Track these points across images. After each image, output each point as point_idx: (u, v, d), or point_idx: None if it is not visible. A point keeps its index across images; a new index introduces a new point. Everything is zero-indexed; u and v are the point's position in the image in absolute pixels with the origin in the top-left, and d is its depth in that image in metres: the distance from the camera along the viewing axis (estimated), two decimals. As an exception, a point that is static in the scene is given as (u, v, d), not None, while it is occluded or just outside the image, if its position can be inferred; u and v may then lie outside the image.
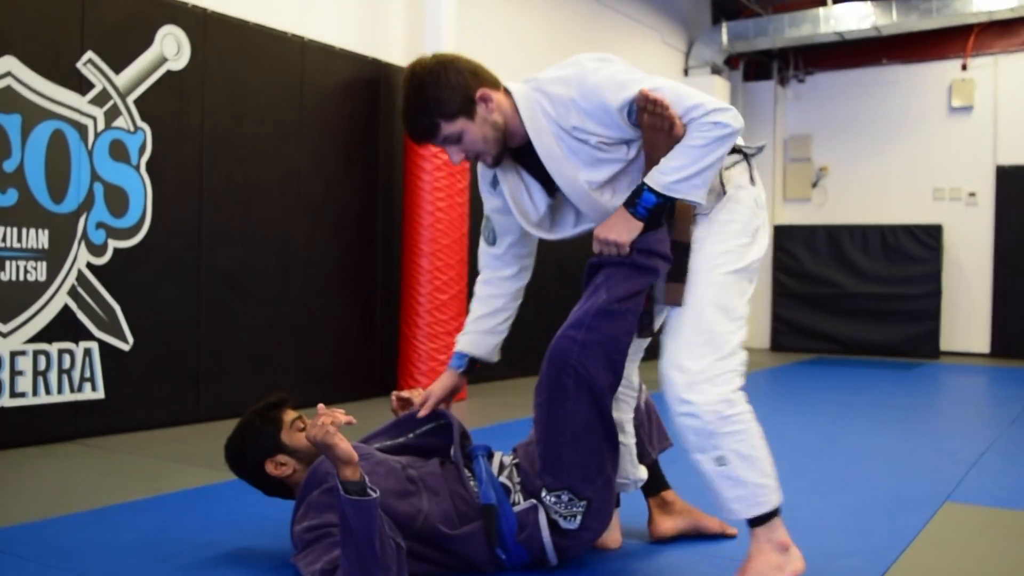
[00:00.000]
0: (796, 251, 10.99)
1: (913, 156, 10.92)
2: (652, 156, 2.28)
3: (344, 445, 2.12)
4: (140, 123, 4.83)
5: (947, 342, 10.53)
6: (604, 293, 2.29)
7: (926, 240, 10.46)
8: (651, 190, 2.23)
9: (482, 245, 2.77)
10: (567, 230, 2.52)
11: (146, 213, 4.86)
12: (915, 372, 8.87)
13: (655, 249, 2.28)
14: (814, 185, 11.52)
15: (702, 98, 2.25)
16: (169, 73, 4.97)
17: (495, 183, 2.57)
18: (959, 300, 10.59)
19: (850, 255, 10.79)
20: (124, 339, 4.75)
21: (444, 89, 2.31)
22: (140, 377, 4.83)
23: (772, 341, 11.24)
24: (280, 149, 5.65)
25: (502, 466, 2.53)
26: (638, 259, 2.28)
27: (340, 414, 2.18)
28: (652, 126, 2.24)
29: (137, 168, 4.83)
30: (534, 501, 2.43)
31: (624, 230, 2.27)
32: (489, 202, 2.66)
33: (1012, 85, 10.42)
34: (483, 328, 2.77)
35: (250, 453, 2.59)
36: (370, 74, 6.31)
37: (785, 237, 11.12)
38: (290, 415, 2.62)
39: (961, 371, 9.21)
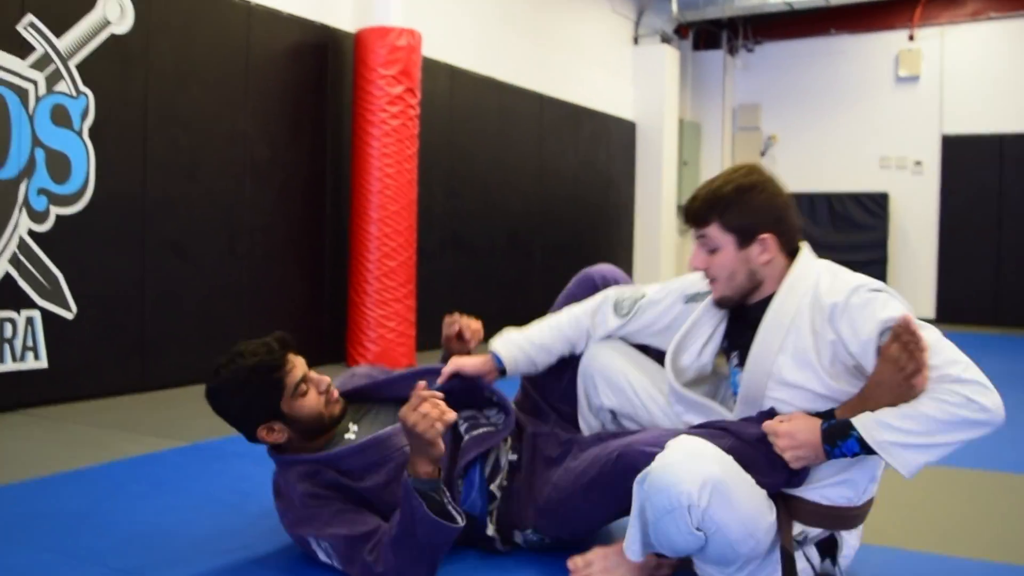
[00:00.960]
0: (745, 219, 11.03)
1: (860, 125, 11.05)
2: (873, 394, 1.94)
3: (441, 447, 2.01)
4: (83, 88, 4.74)
5: (892, 308, 10.67)
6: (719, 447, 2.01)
7: (872, 208, 10.61)
8: (859, 439, 1.91)
9: (608, 309, 2.54)
10: (695, 398, 2.29)
11: (89, 179, 4.78)
12: (860, 338, 8.98)
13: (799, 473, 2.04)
14: (763, 154, 11.61)
15: (968, 364, 1.90)
16: (113, 37, 4.88)
17: (689, 299, 2.40)
18: (905, 267, 10.78)
19: (798, 223, 10.88)
20: (67, 307, 4.69)
21: (744, 204, 2.15)
22: (84, 346, 4.78)
23: (721, 308, 11.31)
24: (226, 114, 5.57)
25: (497, 467, 2.42)
26: (775, 462, 2.01)
27: (446, 407, 2.02)
28: (895, 361, 1.88)
29: (80, 134, 4.74)
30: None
31: (805, 459, 1.98)
32: (658, 307, 2.46)
33: (958, 55, 10.57)
34: (538, 359, 2.57)
35: (244, 416, 2.31)
36: (317, 39, 6.24)
37: (734, 205, 11.17)
38: (294, 377, 2.28)
39: (905, 337, 9.35)
